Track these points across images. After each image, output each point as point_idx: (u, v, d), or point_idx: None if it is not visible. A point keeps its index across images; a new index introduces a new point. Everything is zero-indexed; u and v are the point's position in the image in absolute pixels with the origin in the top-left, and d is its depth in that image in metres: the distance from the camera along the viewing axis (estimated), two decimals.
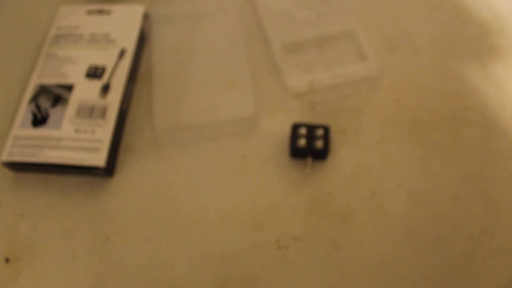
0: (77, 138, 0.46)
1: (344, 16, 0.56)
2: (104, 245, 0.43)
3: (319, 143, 0.45)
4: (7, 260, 0.42)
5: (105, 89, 0.48)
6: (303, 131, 0.46)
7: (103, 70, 0.50)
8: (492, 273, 0.40)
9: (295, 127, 0.46)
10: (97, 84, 0.49)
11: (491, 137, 0.47)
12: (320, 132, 0.46)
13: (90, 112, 0.47)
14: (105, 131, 0.46)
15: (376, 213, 0.44)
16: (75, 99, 0.48)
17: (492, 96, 0.50)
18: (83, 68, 0.50)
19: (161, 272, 0.41)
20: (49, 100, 0.48)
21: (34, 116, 0.47)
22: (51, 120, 0.47)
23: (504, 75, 0.52)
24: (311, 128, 0.46)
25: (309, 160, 0.46)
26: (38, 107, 0.48)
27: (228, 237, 0.43)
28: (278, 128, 0.48)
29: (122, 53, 0.50)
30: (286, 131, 0.47)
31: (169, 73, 0.52)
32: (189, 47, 0.54)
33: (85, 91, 0.48)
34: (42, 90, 0.49)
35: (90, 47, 0.52)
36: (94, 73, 0.49)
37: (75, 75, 0.50)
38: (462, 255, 0.41)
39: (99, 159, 0.44)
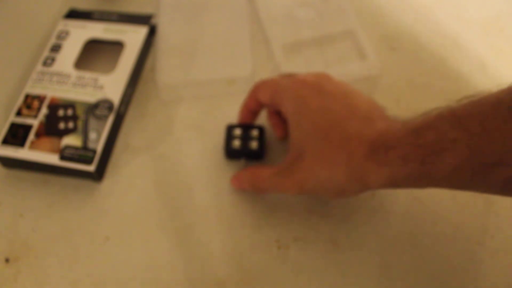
0: None
1: (344, 15, 0.56)
2: (104, 245, 0.43)
3: None
4: (7, 260, 0.42)
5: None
6: None
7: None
8: (492, 273, 0.41)
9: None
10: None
11: None
12: None
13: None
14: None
15: (376, 213, 0.44)
16: None
17: None
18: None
19: (161, 272, 0.41)
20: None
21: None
22: None
23: (504, 75, 0.52)
24: None
25: None
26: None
27: (228, 237, 0.43)
28: None
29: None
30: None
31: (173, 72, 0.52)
32: (193, 44, 0.54)
33: None
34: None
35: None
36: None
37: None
38: (462, 255, 0.41)
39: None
